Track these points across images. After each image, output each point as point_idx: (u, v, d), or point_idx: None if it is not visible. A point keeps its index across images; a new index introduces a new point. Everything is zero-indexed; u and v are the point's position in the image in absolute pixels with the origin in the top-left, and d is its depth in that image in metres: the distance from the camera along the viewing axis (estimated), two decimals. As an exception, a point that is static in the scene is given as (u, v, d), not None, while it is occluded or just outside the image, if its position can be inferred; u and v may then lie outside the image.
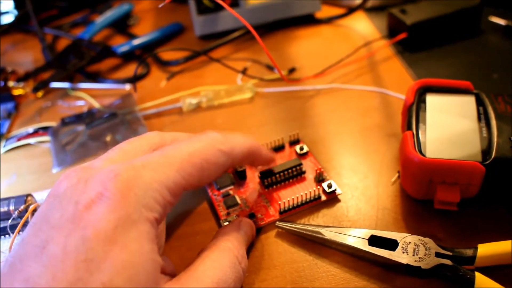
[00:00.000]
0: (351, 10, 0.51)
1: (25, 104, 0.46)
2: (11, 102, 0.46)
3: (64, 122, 0.41)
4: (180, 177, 0.22)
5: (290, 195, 0.30)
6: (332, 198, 0.31)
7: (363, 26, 0.50)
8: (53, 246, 0.19)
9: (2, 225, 0.30)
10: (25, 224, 0.28)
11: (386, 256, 0.25)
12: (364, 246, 0.26)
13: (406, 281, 0.25)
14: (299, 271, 0.26)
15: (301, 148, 0.34)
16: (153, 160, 0.22)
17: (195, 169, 0.22)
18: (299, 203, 0.30)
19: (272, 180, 0.31)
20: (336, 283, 0.26)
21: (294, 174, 0.32)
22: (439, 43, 0.45)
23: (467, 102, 0.31)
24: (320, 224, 0.29)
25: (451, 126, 0.29)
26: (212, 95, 0.41)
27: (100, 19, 0.54)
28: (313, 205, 0.30)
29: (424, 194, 0.28)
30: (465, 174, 0.26)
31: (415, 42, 0.44)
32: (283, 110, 0.40)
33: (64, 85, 0.46)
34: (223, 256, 0.23)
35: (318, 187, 0.30)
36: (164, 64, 0.48)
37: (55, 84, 0.46)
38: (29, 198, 0.31)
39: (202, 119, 0.40)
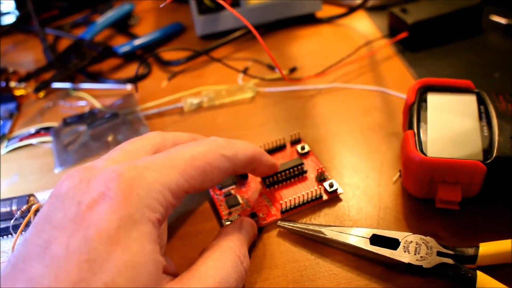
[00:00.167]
0: (351, 9, 0.51)
1: (27, 105, 0.46)
2: (13, 103, 0.46)
3: (66, 123, 0.41)
4: (183, 179, 0.22)
5: (291, 195, 0.30)
6: (334, 198, 0.31)
7: (364, 26, 0.50)
8: (56, 246, 0.19)
9: (4, 225, 0.30)
10: (27, 224, 0.28)
11: (387, 255, 0.25)
12: (366, 245, 0.26)
13: (408, 280, 0.25)
14: (301, 270, 0.27)
15: (302, 148, 0.34)
16: (156, 162, 0.22)
17: (197, 172, 0.23)
18: (300, 203, 0.30)
19: (274, 179, 0.31)
20: (338, 282, 0.26)
21: (296, 174, 0.32)
22: (440, 42, 0.45)
23: (468, 101, 0.31)
24: (322, 223, 0.29)
25: (452, 125, 0.29)
26: (213, 95, 0.41)
27: (101, 19, 0.54)
28: (315, 204, 0.30)
29: (426, 193, 0.28)
30: (466, 173, 0.26)
31: (416, 41, 0.44)
32: (284, 110, 0.40)
33: (66, 85, 0.46)
34: (225, 255, 0.23)
35: (320, 186, 0.30)
36: (165, 64, 0.48)
37: (56, 85, 0.46)
38: (32, 198, 0.31)
39: (203, 119, 0.40)
